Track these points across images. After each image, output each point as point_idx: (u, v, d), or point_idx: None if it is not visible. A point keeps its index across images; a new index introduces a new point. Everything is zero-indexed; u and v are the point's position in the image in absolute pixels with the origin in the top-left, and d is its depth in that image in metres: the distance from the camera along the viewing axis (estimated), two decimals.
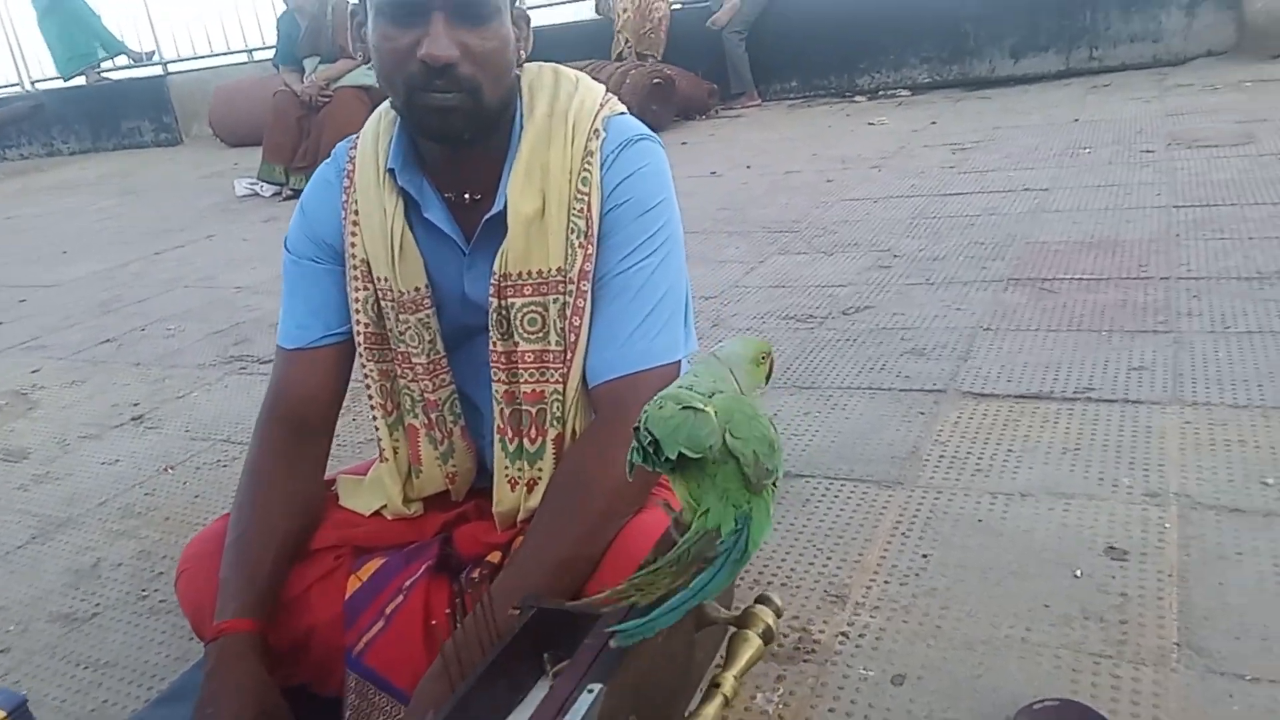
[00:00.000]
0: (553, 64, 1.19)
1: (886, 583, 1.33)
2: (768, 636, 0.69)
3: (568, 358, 1.12)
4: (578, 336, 1.10)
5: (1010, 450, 1.64)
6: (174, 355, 2.89)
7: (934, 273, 2.63)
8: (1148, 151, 3.67)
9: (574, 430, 1.14)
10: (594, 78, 1.22)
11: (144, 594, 1.61)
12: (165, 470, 2.08)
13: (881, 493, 1.56)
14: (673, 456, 0.72)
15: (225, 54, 9.11)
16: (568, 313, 1.11)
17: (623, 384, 1.09)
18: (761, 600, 0.71)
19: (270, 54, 6.33)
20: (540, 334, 1.13)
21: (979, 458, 1.63)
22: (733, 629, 0.70)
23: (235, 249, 4.32)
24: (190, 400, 2.49)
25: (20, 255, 4.90)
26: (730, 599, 0.83)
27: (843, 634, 1.24)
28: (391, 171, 1.14)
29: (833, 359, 2.14)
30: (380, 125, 1.18)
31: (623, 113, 1.16)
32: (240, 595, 1.11)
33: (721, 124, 6.18)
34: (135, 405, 2.50)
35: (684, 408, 0.75)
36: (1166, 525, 1.37)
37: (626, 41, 6.65)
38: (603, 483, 1.05)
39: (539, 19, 6.16)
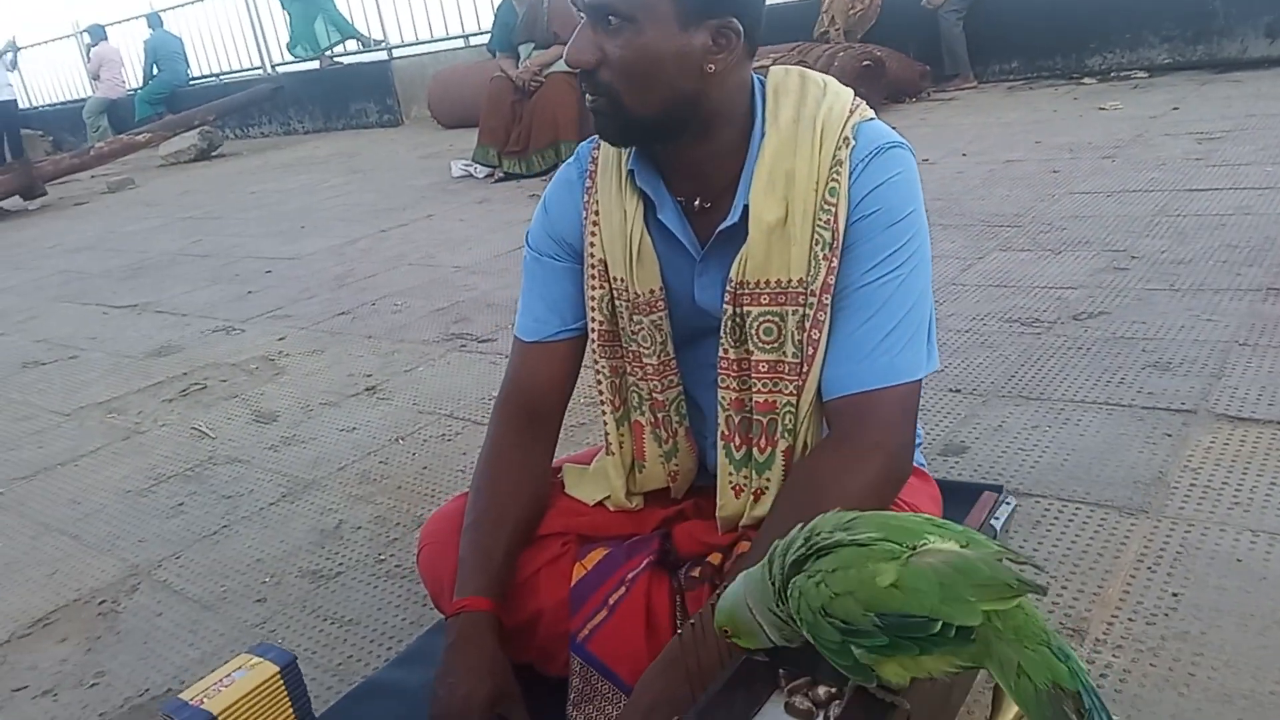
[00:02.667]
0: (800, 68, 1.17)
1: (1130, 620, 1.25)
2: None
3: (803, 370, 1.10)
4: (815, 350, 1.09)
5: (1274, 483, 1.49)
6: (401, 330, 3.09)
7: (1179, 278, 2.42)
8: None
9: (805, 443, 1.13)
10: (801, 61, 1.19)
11: (381, 558, 1.74)
12: (397, 440, 2.24)
13: (1123, 520, 1.46)
14: (974, 621, 0.56)
15: (444, 39, 9.60)
16: (806, 325, 1.09)
17: (862, 399, 1.07)
18: None
19: (486, 40, 6.61)
20: (776, 344, 1.12)
21: (1237, 489, 1.49)
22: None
23: (453, 229, 4.55)
24: (417, 375, 2.66)
25: (265, 228, 5.38)
26: None
27: None
28: (631, 173, 1.16)
29: (1063, 369, 2.02)
30: None
31: (872, 118, 1.13)
32: (477, 575, 1.18)
33: (934, 108, 5.93)
34: (368, 376, 2.70)
35: (906, 560, 0.60)
36: None
37: (832, 21, 6.49)
38: (835, 498, 1.03)
39: None
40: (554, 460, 1.35)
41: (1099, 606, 1.28)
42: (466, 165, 5.92)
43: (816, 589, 0.61)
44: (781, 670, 0.92)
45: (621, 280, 1.20)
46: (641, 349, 1.21)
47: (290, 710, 1.05)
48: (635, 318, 1.20)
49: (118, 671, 1.53)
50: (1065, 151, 4.12)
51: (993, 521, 0.75)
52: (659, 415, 1.24)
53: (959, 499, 1.20)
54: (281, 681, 1.04)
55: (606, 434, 1.28)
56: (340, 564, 1.74)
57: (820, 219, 1.07)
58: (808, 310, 1.09)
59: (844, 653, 0.60)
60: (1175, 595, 1.28)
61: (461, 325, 3.03)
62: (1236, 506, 1.45)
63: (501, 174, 5.62)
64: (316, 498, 2.02)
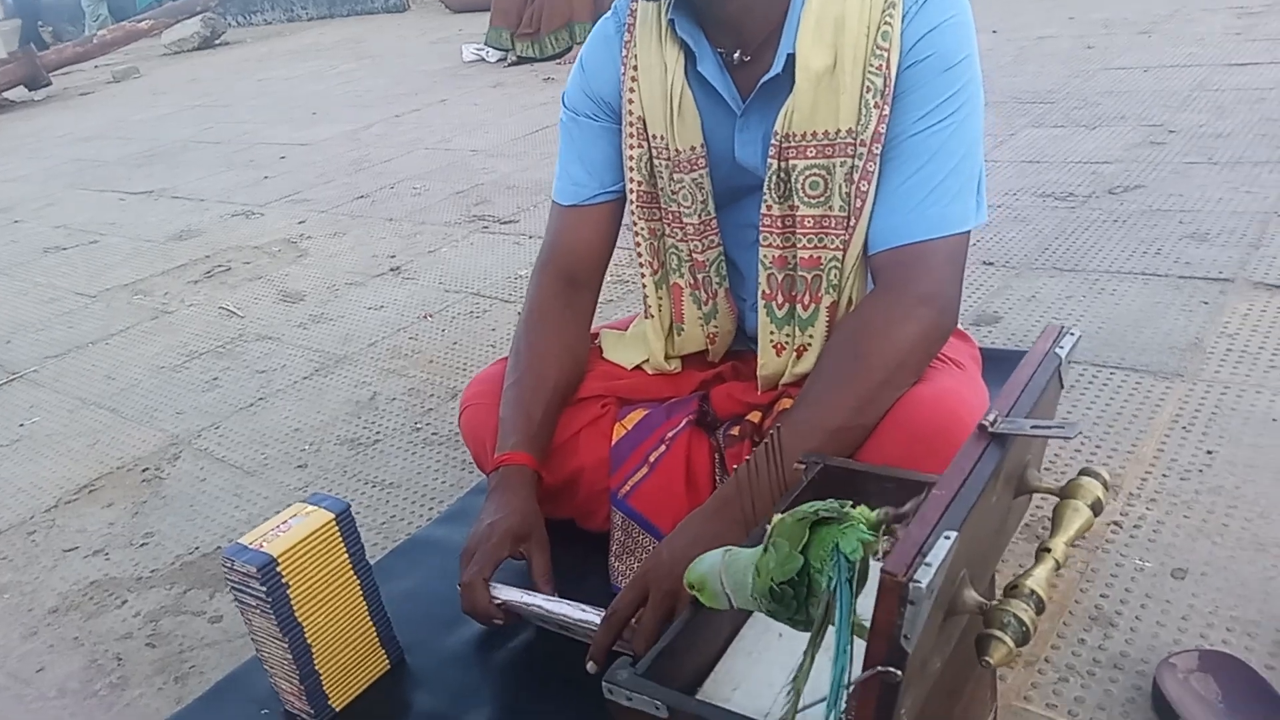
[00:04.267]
0: None
1: (1165, 476, 1.26)
2: (1097, 508, 0.67)
3: (850, 224, 1.08)
4: (864, 202, 1.07)
5: None
6: (422, 212, 3.06)
7: (1217, 151, 2.37)
8: None
9: (850, 298, 1.12)
10: None
11: (417, 426, 1.76)
12: (425, 317, 2.24)
13: (1158, 384, 1.46)
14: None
15: None
16: (855, 176, 1.07)
17: (910, 251, 1.05)
18: (1087, 473, 0.68)
19: None
20: (822, 198, 1.10)
21: (1273, 353, 1.49)
22: (1056, 499, 0.69)
23: (467, 114, 4.47)
24: (440, 255, 2.65)
25: (275, 115, 5.29)
26: (1041, 467, 0.81)
27: (1115, 524, 1.19)
28: (672, 22, 1.12)
29: (1098, 241, 1.99)
30: None
31: None
32: (517, 432, 1.19)
33: None
34: (392, 257, 2.69)
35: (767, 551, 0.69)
36: None
37: None
38: (882, 352, 1.03)
39: None
40: (592, 327, 1.36)
41: (1133, 464, 1.30)
42: (478, 49, 5.77)
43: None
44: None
45: (661, 138, 1.17)
46: (682, 208, 1.19)
47: (345, 555, 1.08)
48: (675, 176, 1.18)
49: (166, 532, 1.58)
50: (1100, 27, 3.97)
51: (1058, 350, 0.75)
52: (699, 276, 1.23)
53: (997, 365, 1.21)
54: (337, 527, 1.07)
55: (645, 296, 1.28)
56: (378, 432, 1.77)
57: (872, 65, 1.04)
58: (856, 161, 1.06)
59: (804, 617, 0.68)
60: (1210, 453, 1.29)
61: (483, 207, 3.01)
62: (1273, 370, 1.45)
63: (514, 57, 5.48)
64: (349, 372, 2.04)
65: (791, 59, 1.06)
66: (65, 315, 2.67)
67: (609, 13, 1.25)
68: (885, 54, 1.04)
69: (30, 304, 2.83)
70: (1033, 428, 0.63)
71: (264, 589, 1.00)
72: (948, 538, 0.53)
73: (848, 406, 1.03)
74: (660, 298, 1.28)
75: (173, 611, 1.38)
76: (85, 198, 4.08)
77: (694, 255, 1.22)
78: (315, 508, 1.08)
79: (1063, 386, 0.78)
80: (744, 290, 1.26)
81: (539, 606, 1.04)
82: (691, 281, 1.25)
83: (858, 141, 1.06)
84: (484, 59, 5.71)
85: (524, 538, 1.10)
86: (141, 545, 1.55)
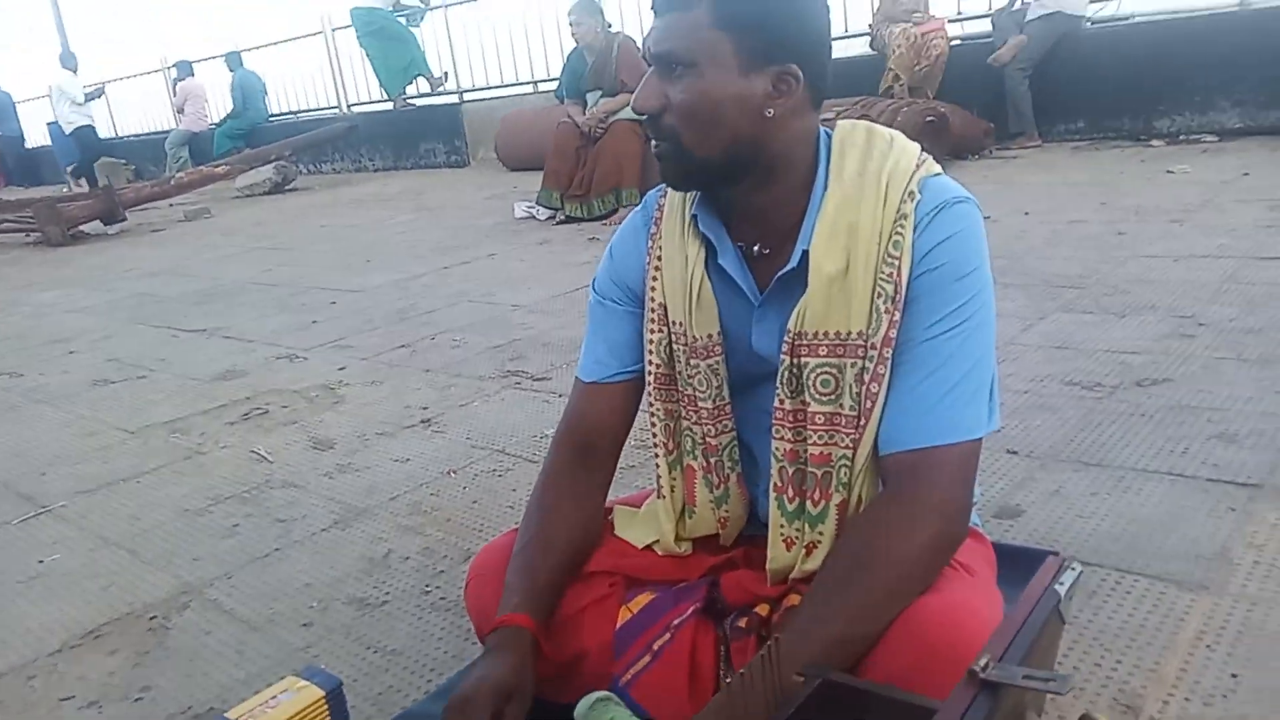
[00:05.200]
0: (867, 122, 1.19)
1: (1187, 699, 1.20)
2: None
3: (861, 424, 1.10)
4: (874, 403, 1.08)
5: None
6: (458, 365, 3.13)
7: (1248, 347, 2.36)
8: None
9: (860, 498, 1.12)
10: (865, 114, 1.21)
11: (427, 589, 1.75)
12: (449, 473, 2.26)
13: (1183, 596, 1.41)
14: None
15: (514, 84, 9.84)
16: (865, 378, 1.09)
17: (920, 456, 1.06)
18: (1086, 719, 0.66)
19: (554, 86, 6.75)
20: (833, 396, 1.12)
21: None
22: None
23: (513, 269, 4.63)
24: (471, 409, 2.70)
25: (331, 261, 5.52)
26: (1042, 705, 0.78)
27: None
28: (695, 217, 1.18)
29: (1124, 435, 1.97)
30: None
31: (939, 174, 1.14)
32: (520, 594, 1.19)
33: (996, 165, 5.90)
34: (425, 409, 2.74)
35: None
36: None
37: (896, 78, 6.52)
38: (889, 559, 1.03)
39: None
40: (606, 501, 1.36)
41: (1155, 684, 1.24)
42: (530, 206, 6.03)
43: None
44: None
45: (680, 324, 1.22)
46: (697, 393, 1.22)
47: None
48: (692, 362, 1.21)
49: (164, 687, 1.56)
50: (1131, 214, 4.06)
51: (1056, 587, 0.74)
52: (711, 460, 1.25)
53: (1014, 563, 1.18)
54: (326, 706, 1.06)
55: (659, 477, 1.30)
56: (387, 593, 1.76)
57: (883, 272, 1.08)
58: (867, 363, 1.09)
59: None
60: (1235, 676, 1.23)
61: (518, 363, 3.07)
62: None
63: (563, 216, 5.71)
64: (367, 526, 2.05)
65: (806, 255, 1.10)
66: (102, 450, 2.74)
67: (639, 206, 1.32)
68: (896, 262, 1.08)
69: (71, 436, 2.90)
70: (1024, 678, 0.61)
71: None
72: None
73: (849, 616, 1.02)
74: (674, 479, 1.30)
75: None
76: (141, 332, 4.25)
77: (707, 439, 1.24)
78: (307, 683, 1.08)
79: (1064, 622, 0.76)
80: (758, 476, 1.27)
81: None
82: (704, 464, 1.26)
83: (868, 344, 1.09)
84: (534, 216, 5.96)
85: (509, 695, 1.08)
86: (136, 700, 1.53)
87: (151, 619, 1.77)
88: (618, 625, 1.24)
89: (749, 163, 1.11)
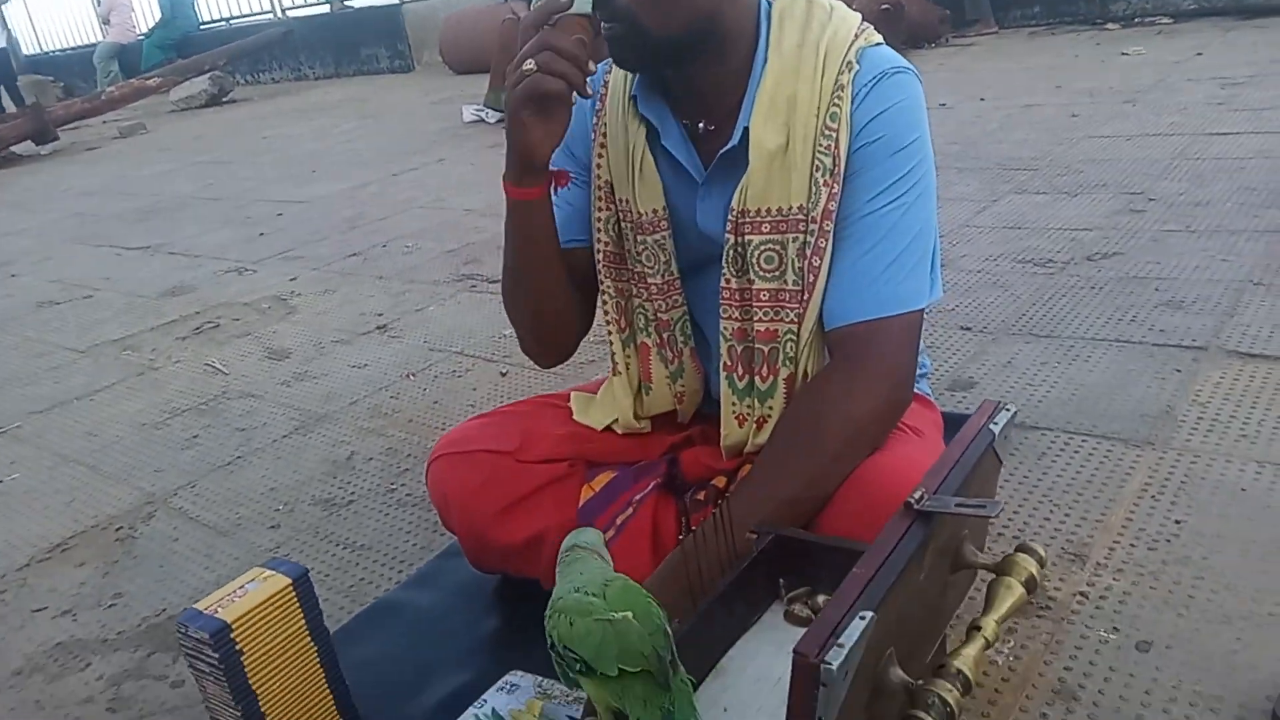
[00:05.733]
0: None
1: (1133, 545, 1.26)
2: (1030, 585, 0.67)
3: (804, 298, 1.10)
4: (816, 277, 1.08)
5: None
6: (412, 271, 3.09)
7: (1196, 219, 2.40)
8: None
9: (806, 371, 1.13)
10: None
11: (392, 487, 1.76)
12: (407, 376, 2.25)
13: (1129, 452, 1.46)
14: (613, 673, 0.74)
15: None
16: (807, 252, 1.09)
17: (864, 329, 1.06)
18: (1023, 549, 0.68)
19: None
20: (777, 273, 1.12)
21: (1244, 422, 1.49)
22: (992, 575, 0.68)
23: (463, 173, 4.53)
24: (427, 314, 2.67)
25: (276, 172, 5.37)
26: (983, 543, 0.81)
27: (1081, 594, 1.18)
28: (634, 99, 1.16)
29: (1074, 307, 2.01)
30: None
31: (879, 44, 1.11)
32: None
33: (953, 53, 5.83)
34: (379, 315, 2.71)
35: (599, 620, 0.77)
36: None
37: None
38: (836, 425, 1.05)
39: None
40: (562, 389, 1.36)
41: (1101, 533, 1.29)
42: (478, 109, 5.87)
43: (551, 620, 0.82)
44: (781, 580, 0.93)
45: (626, 201, 1.20)
46: (646, 269, 1.22)
47: (302, 621, 1.07)
48: (639, 238, 1.20)
49: (134, 593, 1.56)
50: (1085, 96, 4.05)
51: (991, 427, 0.76)
52: (664, 335, 1.25)
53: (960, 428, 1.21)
54: (294, 593, 1.06)
55: (613, 355, 1.30)
56: (352, 493, 1.77)
57: (821, 145, 1.07)
58: (808, 238, 1.09)
59: (562, 671, 0.81)
60: (1178, 523, 1.29)
61: (472, 266, 3.03)
62: (1243, 439, 1.45)
63: None
64: (329, 430, 2.04)
65: (747, 133, 1.09)
66: (53, 370, 2.68)
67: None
68: (834, 134, 1.06)
69: (20, 358, 2.84)
70: (956, 505, 0.63)
71: (217, 656, 0.99)
72: (863, 618, 0.53)
73: (801, 478, 1.04)
74: (628, 356, 1.30)
75: (135, 675, 1.36)
76: (83, 253, 4.12)
77: (659, 315, 1.24)
78: (273, 572, 1.08)
79: (1001, 462, 0.78)
80: (711, 354, 1.27)
81: None
82: (658, 340, 1.26)
83: (809, 218, 1.08)
84: (484, 120, 5.80)
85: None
86: (109, 606, 1.54)
87: (118, 530, 1.77)
88: (580, 503, 1.25)
89: (705, 38, 1.08)
